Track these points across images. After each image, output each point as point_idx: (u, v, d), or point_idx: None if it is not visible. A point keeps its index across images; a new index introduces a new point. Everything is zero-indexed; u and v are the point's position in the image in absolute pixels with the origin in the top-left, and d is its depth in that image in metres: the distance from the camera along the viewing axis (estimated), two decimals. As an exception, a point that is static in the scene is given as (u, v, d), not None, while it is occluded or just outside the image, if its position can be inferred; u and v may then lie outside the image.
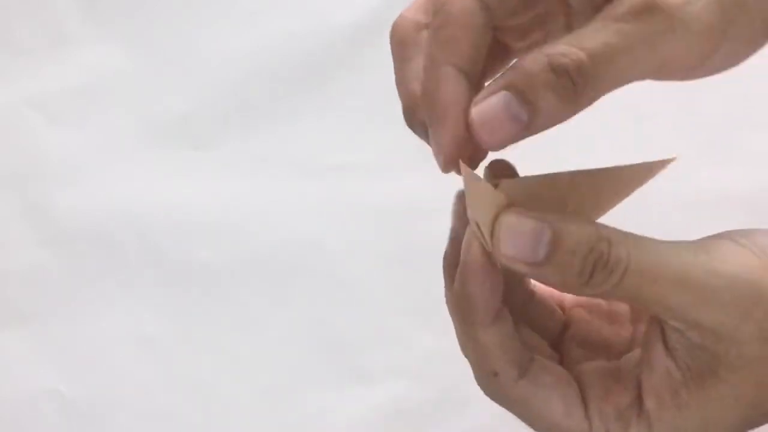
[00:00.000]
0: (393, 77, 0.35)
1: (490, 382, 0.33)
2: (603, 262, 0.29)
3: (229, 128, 0.59)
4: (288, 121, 0.59)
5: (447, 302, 0.35)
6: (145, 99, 0.60)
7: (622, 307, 0.37)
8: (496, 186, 0.31)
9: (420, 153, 0.54)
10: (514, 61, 0.30)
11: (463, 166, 0.31)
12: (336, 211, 0.56)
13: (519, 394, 0.32)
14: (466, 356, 0.35)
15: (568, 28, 0.34)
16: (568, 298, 0.37)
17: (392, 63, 0.34)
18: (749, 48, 0.33)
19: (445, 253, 0.35)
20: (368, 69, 0.59)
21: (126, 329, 0.55)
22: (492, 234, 0.30)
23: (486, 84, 0.30)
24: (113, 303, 0.56)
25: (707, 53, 0.31)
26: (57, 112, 0.60)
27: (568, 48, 0.29)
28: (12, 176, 0.59)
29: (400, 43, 0.34)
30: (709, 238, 0.31)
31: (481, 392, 0.36)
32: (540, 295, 0.36)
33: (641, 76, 0.30)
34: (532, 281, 0.36)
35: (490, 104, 0.29)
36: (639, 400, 0.32)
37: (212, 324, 0.55)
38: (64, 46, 0.62)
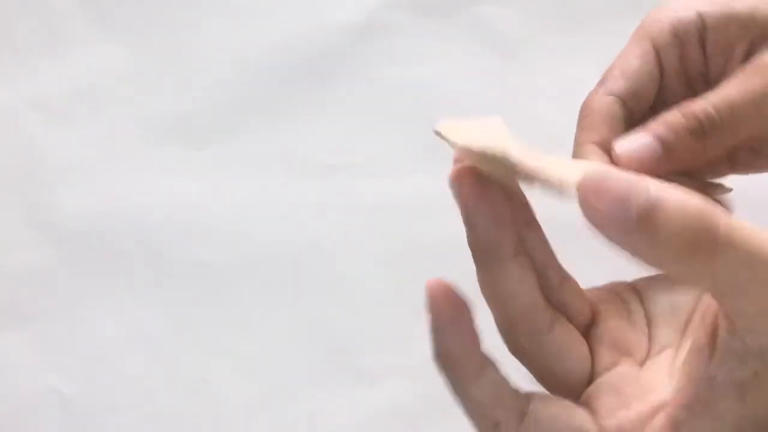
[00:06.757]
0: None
1: None
2: (710, 232, 0.26)
3: (229, 128, 0.59)
4: (287, 121, 0.59)
5: (481, 290, 0.34)
6: (146, 99, 0.60)
7: (638, 313, 0.36)
8: None
9: (419, 153, 0.54)
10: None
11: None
12: (336, 211, 0.56)
13: None
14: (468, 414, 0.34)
15: None
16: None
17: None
18: None
19: (468, 240, 0.33)
20: (368, 69, 0.59)
21: (126, 329, 0.55)
22: (577, 188, 0.27)
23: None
24: (113, 303, 0.56)
25: None
26: (57, 112, 0.60)
27: (697, 103, 0.35)
28: (12, 176, 0.59)
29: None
30: None
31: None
32: (573, 280, 0.36)
33: (760, 129, 0.36)
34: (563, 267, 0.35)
35: (632, 140, 0.36)
36: (658, 409, 0.31)
37: (212, 324, 0.55)
38: (64, 46, 0.62)
